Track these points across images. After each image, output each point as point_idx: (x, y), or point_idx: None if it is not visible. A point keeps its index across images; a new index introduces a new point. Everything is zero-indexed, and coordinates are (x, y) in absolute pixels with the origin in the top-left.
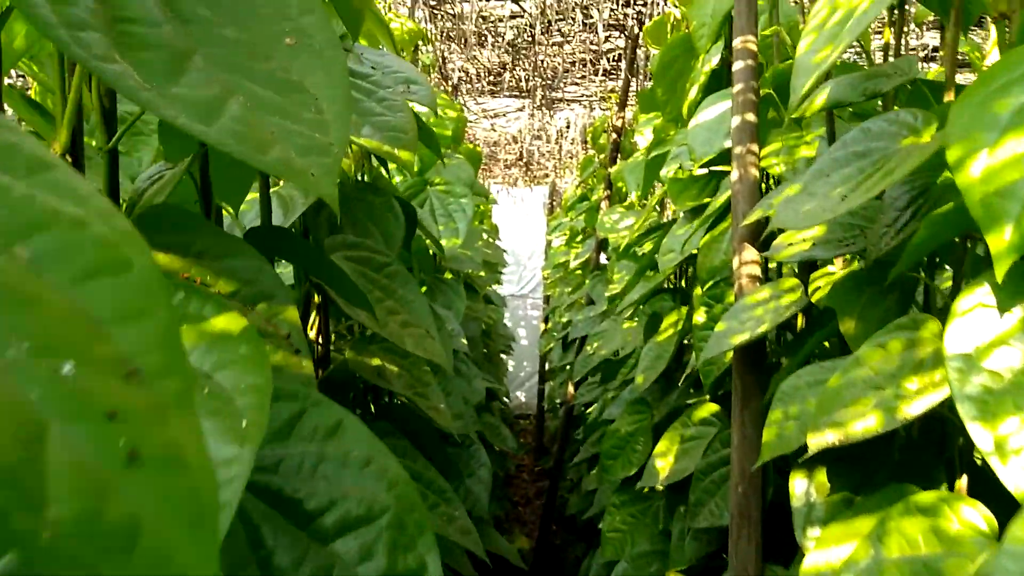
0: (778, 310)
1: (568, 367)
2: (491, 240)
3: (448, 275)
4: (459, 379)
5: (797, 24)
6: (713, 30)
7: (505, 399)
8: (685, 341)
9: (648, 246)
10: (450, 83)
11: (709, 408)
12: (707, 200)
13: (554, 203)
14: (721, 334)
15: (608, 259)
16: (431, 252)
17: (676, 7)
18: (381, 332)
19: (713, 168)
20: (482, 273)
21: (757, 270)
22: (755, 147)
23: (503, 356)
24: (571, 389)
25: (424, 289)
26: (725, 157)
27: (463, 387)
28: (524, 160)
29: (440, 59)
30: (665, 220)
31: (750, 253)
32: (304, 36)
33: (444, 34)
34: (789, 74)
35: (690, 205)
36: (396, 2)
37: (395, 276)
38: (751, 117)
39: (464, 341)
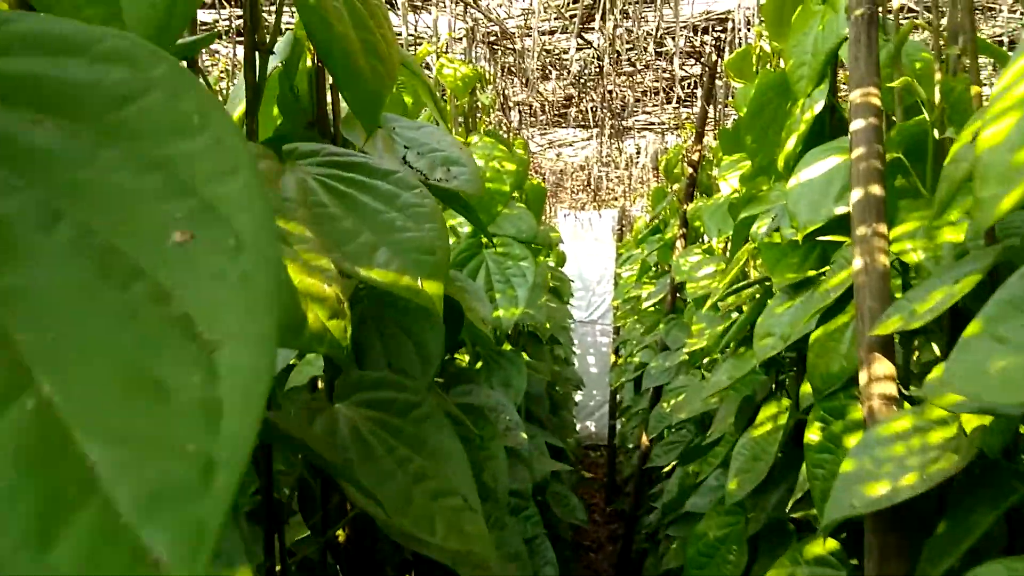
0: (925, 451)
1: (641, 412)
2: (557, 271)
3: (506, 345)
4: (519, 465)
5: (930, 67)
6: (815, 71)
7: (572, 456)
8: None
9: (731, 300)
10: (511, 121)
11: (826, 545)
12: (811, 273)
13: (623, 228)
14: (850, 479)
15: (685, 302)
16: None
17: (765, 40)
18: (402, 524)
19: (820, 238)
20: (547, 325)
21: (893, 389)
22: (882, 227)
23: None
24: (645, 439)
25: (479, 365)
26: (835, 225)
27: (523, 474)
28: (592, 186)
29: (501, 97)
30: (753, 275)
31: (882, 366)
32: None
33: (506, 70)
34: (920, 136)
35: (791, 278)
36: (452, 40)
37: (424, 420)
38: (876, 190)
39: (523, 435)
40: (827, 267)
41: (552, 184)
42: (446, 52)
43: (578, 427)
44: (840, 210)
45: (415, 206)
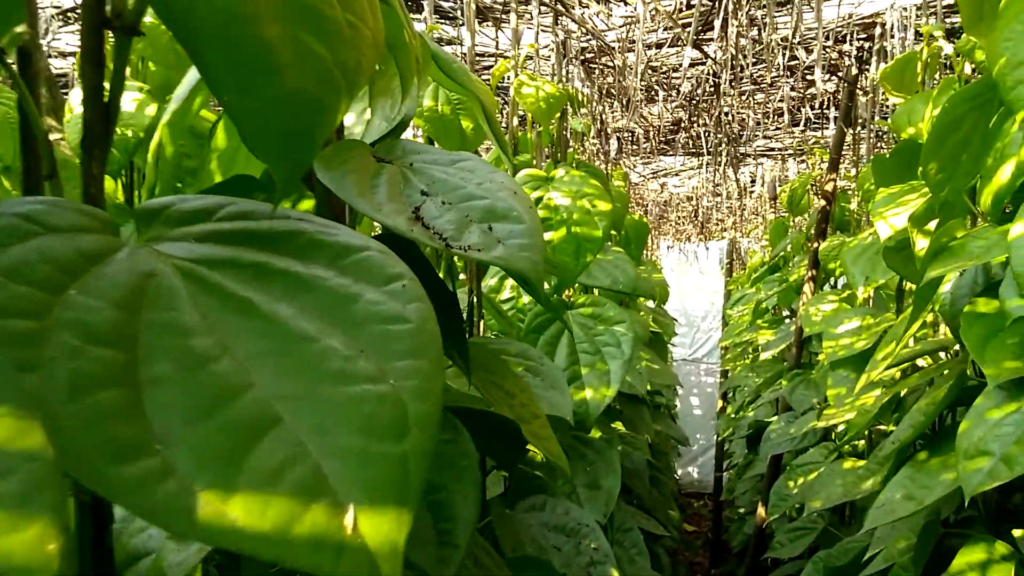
0: None
1: (755, 478)
2: (660, 313)
3: (594, 432)
4: None
5: None
6: None
7: (674, 535)
8: None
9: (893, 374)
10: (609, 150)
11: None
12: None
13: (732, 261)
14: None
15: (812, 355)
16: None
17: (943, 40)
18: None
19: None
20: (648, 386)
21: None
22: None
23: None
24: (762, 513)
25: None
26: None
27: None
28: (700, 218)
29: (598, 122)
30: (920, 339)
31: None
32: None
33: (604, 91)
34: None
35: (1011, 368)
36: (538, 58)
37: None
38: None
39: (614, 573)
40: None
41: (655, 216)
42: (529, 70)
43: (679, 472)
44: None
45: (383, 321)
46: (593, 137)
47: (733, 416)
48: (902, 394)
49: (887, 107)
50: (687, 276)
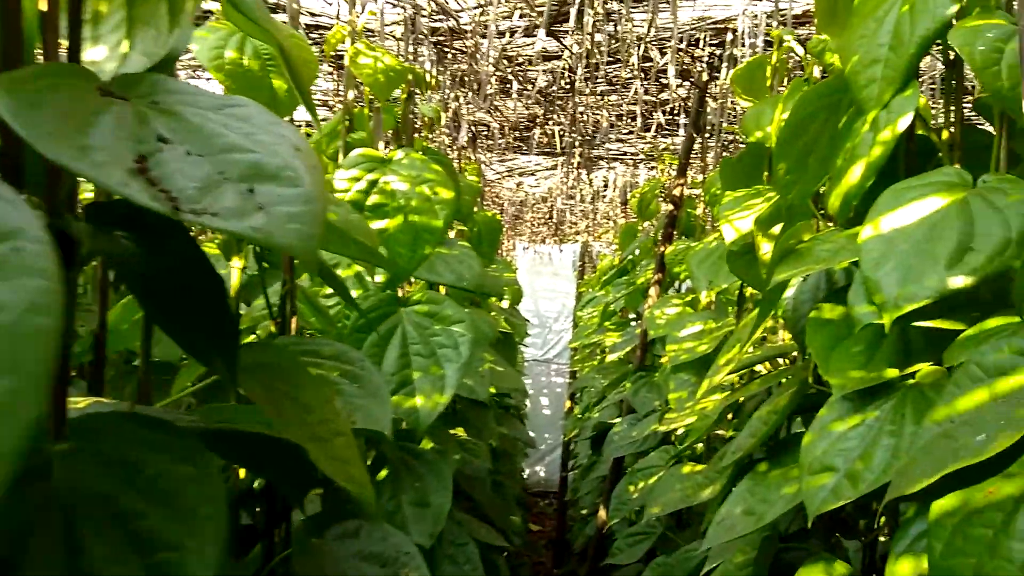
0: None
1: (598, 480)
2: (512, 313)
3: (426, 443)
4: None
5: None
6: (898, 70)
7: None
8: None
9: (732, 380)
10: (462, 141)
11: None
12: (891, 374)
13: (585, 264)
14: None
15: (656, 357)
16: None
17: (794, 42)
18: None
19: (921, 323)
20: (492, 390)
21: None
22: None
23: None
24: (603, 515)
25: (384, 473)
26: (948, 304)
27: None
28: (555, 220)
29: (451, 112)
30: (763, 342)
31: None
32: None
33: (457, 79)
34: None
35: (856, 378)
36: (387, 35)
37: None
38: None
39: None
40: (922, 365)
41: (511, 216)
42: (370, 40)
43: (527, 472)
44: (957, 281)
45: None
46: (444, 126)
47: (580, 417)
48: (741, 400)
49: (735, 114)
50: (541, 277)
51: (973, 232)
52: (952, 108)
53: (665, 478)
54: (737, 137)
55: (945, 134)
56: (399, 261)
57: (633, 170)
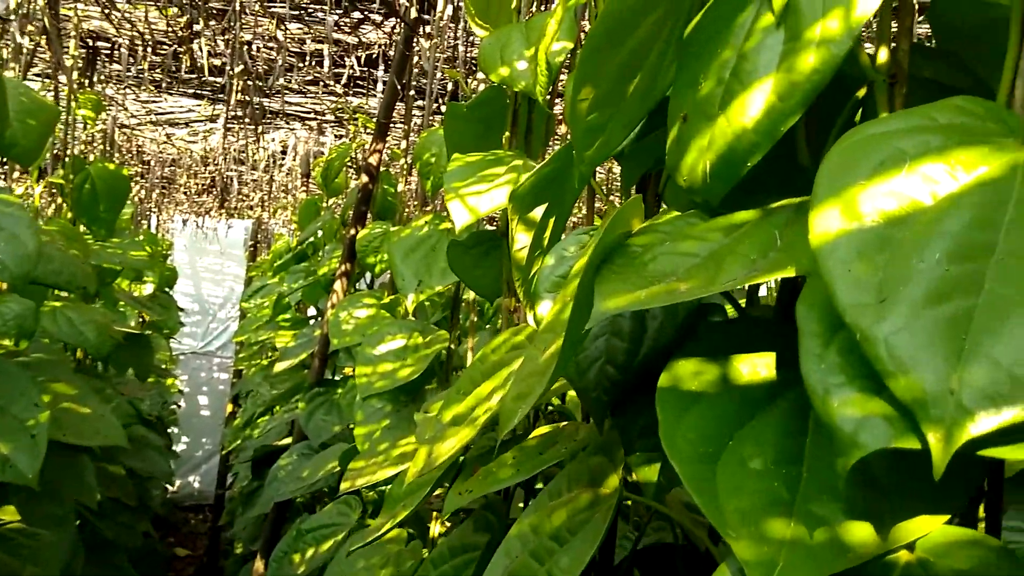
0: None
1: (256, 519)
2: (156, 302)
3: None
4: None
5: None
6: None
7: None
8: None
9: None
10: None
11: None
12: None
13: (257, 244)
14: None
15: (336, 369)
16: None
17: None
18: None
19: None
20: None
21: None
22: None
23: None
24: (260, 566)
25: None
26: None
27: None
28: (219, 188)
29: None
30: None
31: None
32: None
33: None
34: None
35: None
36: None
37: None
38: None
39: None
40: None
41: (162, 178)
42: None
43: (177, 483)
44: None
45: None
46: (41, 35)
47: (242, 428)
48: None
49: (455, 59)
50: (206, 257)
51: None
52: (896, 12)
53: (346, 553)
54: (461, 90)
55: (883, 55)
56: None
57: (318, 136)
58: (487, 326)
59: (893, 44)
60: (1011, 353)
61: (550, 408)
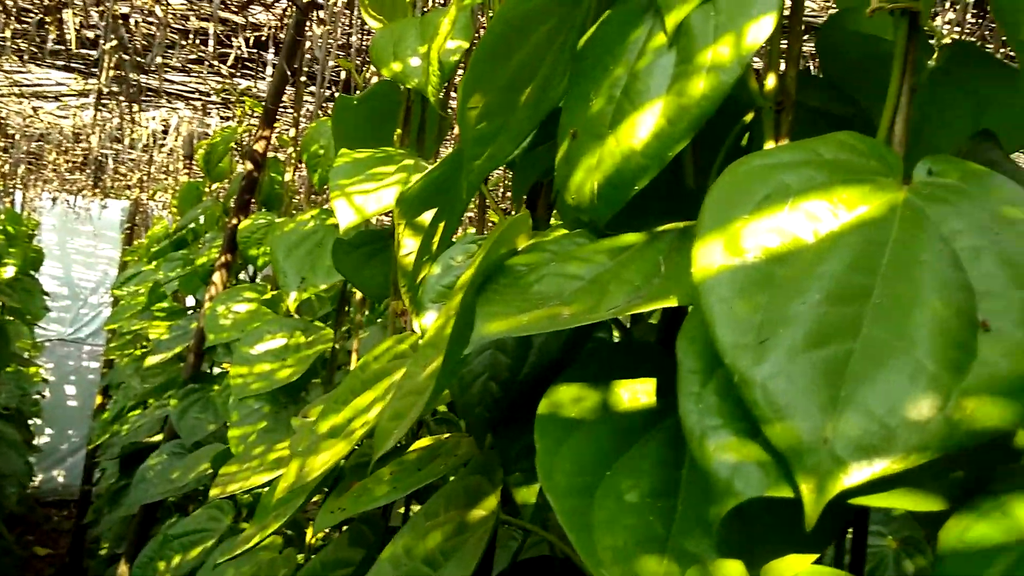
0: None
1: (122, 522)
2: (19, 285)
3: None
4: None
5: None
6: None
7: None
8: None
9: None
10: None
11: None
12: None
13: (134, 227)
14: None
15: (213, 365)
16: None
17: None
18: None
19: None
20: None
21: None
22: None
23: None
24: (124, 570)
25: None
26: None
27: None
28: (92, 166)
29: None
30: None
31: None
32: None
33: None
34: None
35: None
36: None
37: None
38: None
39: None
40: None
41: (29, 154)
42: None
43: (40, 477)
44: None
45: None
46: None
47: (111, 422)
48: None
49: (349, 48)
50: (78, 238)
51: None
52: (786, 41)
53: (209, 570)
54: (353, 81)
55: (771, 82)
56: None
57: (203, 116)
58: (379, 320)
59: (781, 71)
60: (884, 402)
61: (436, 415)
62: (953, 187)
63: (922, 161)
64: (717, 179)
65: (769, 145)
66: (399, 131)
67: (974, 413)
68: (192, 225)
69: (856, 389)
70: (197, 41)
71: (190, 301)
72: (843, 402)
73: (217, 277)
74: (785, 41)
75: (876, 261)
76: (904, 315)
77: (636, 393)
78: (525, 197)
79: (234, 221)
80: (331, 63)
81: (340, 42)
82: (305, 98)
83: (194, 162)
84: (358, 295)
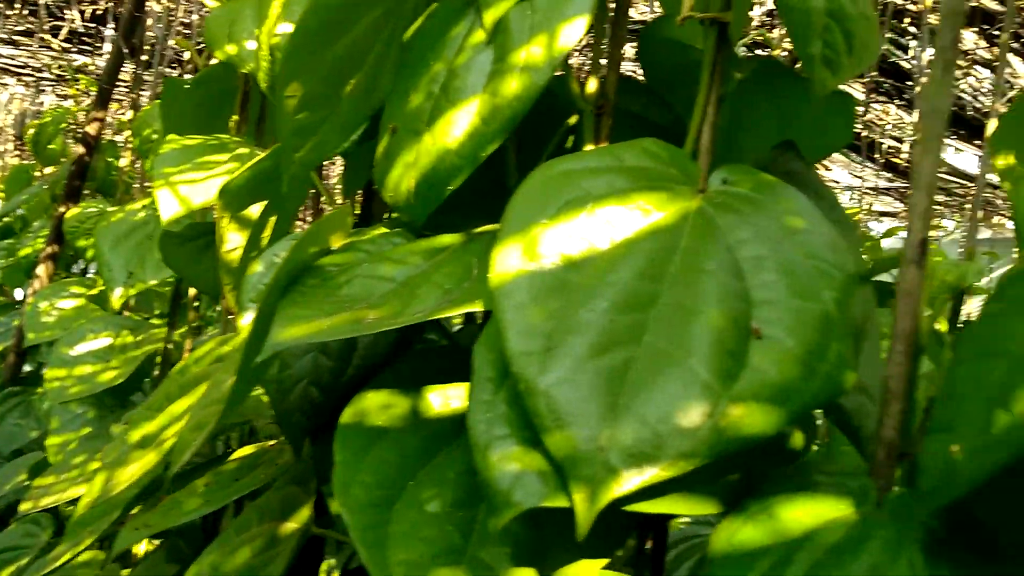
0: None
1: None
2: None
3: None
4: None
5: None
6: None
7: None
8: None
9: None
10: None
11: None
12: None
13: None
14: None
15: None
16: None
17: None
18: None
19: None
20: None
21: None
22: None
23: None
24: None
25: None
26: None
27: None
28: None
29: None
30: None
31: None
32: None
33: None
34: None
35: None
36: None
37: None
38: None
39: None
40: None
41: None
42: None
43: None
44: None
45: None
46: None
47: None
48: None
49: (196, 25)
50: None
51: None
52: (607, 44)
53: None
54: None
55: (592, 85)
56: None
57: (36, 94)
58: (231, 317)
59: (602, 75)
60: (658, 409)
61: (270, 421)
62: (745, 196)
63: (718, 170)
64: (523, 182)
65: (589, 148)
66: (236, 118)
67: (741, 419)
68: (22, 211)
69: (634, 397)
70: (26, 12)
71: (20, 294)
72: (621, 410)
73: (42, 270)
74: (607, 45)
75: (664, 269)
76: (684, 324)
77: (448, 399)
78: (361, 192)
79: (62, 209)
80: (171, 42)
81: (185, 20)
82: (146, 78)
83: (25, 143)
84: (192, 291)
